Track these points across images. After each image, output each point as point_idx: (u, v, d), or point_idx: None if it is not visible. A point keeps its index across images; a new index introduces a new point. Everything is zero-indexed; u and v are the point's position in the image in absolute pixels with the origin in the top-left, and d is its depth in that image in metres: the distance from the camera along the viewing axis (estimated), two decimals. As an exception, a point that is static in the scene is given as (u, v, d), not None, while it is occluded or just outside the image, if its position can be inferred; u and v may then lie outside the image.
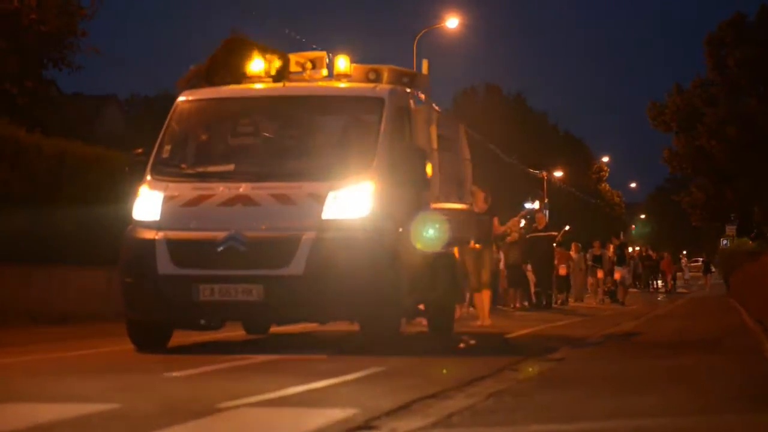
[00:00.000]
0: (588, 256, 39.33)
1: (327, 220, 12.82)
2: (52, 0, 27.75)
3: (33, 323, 18.22)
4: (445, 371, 10.70)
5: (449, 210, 16.35)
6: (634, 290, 48.27)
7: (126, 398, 8.10)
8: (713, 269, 70.33)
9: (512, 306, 30.28)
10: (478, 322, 19.55)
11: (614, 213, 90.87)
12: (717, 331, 19.02)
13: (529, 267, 31.68)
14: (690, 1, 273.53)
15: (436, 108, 16.65)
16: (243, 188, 13.07)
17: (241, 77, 14.75)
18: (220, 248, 12.68)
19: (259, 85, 14.57)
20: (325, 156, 13.66)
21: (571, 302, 36.21)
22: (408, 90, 14.96)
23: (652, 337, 17.42)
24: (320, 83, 14.80)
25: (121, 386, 9.12)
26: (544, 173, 71.72)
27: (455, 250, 18.16)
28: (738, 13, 66.56)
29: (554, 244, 32.84)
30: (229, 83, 14.76)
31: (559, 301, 33.28)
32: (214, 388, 8.94)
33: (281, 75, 14.67)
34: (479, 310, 19.86)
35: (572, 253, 38.09)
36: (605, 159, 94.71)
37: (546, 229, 31.94)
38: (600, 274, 38.15)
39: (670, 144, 69.32)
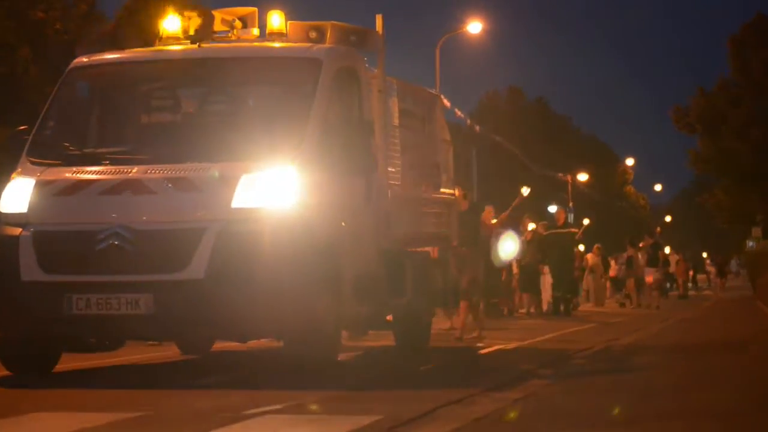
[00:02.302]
0: (624, 256, 35.22)
1: (238, 210, 9.56)
2: (76, 10, 25.82)
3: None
4: None
5: (420, 199, 12.95)
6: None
7: (152, 406, 7.85)
8: (732, 271, 66.76)
9: (527, 312, 26.59)
10: (456, 333, 16.06)
11: (639, 216, 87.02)
12: (743, 334, 17.59)
13: (546, 269, 27.81)
14: (713, 2, 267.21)
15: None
16: (135, 172, 9.77)
17: (153, 39, 11.41)
18: (100, 247, 9.50)
19: (171, 48, 11.16)
20: (242, 131, 10.30)
21: (591, 307, 32.63)
22: (355, 51, 11.45)
23: (674, 341, 16.20)
24: (245, 44, 11.35)
25: (146, 394, 8.89)
26: (569, 177, 68.13)
27: (433, 249, 14.73)
28: (759, 14, 63.74)
29: (574, 243, 28.57)
30: (140, 47, 11.42)
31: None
32: (235, 396, 8.60)
33: (202, 35, 11.25)
34: (461, 322, 16.27)
35: (593, 255, 34.20)
36: (630, 162, 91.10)
37: (565, 225, 27.61)
38: (612, 272, 34.40)
39: (695, 146, 66.34)
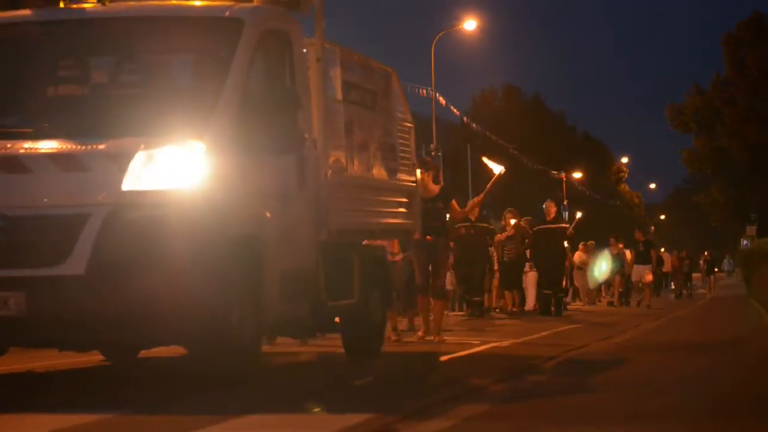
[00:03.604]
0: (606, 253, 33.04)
1: (129, 192, 7.80)
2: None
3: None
4: None
5: (371, 186, 11.16)
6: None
7: (134, 405, 7.31)
8: (725, 269, 64.92)
9: (509, 310, 24.65)
10: (419, 333, 14.21)
11: (633, 214, 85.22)
12: (737, 332, 17.04)
13: (531, 266, 25.78)
14: (709, 0, 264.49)
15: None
16: (12, 148, 8.01)
17: (56, -1, 9.61)
18: None
19: (71, 7, 9.33)
20: (145, 102, 8.54)
21: (582, 305, 30.81)
22: (286, 12, 9.62)
23: (670, 338, 15.71)
24: (158, 3, 9.53)
25: (126, 393, 8.29)
26: (563, 174, 66.35)
27: (394, 243, 12.97)
28: (756, 12, 62.76)
29: (565, 239, 26.13)
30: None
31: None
32: (220, 395, 7.90)
33: (112, -7, 9.45)
34: (423, 320, 14.43)
35: (580, 252, 32.13)
36: (624, 160, 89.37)
37: (556, 220, 24.86)
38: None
39: (690, 144, 65.18)
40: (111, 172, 7.78)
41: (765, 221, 62.17)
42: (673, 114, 64.31)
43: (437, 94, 45.57)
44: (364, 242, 11.59)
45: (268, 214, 8.66)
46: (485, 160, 15.81)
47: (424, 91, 44.27)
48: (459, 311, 22.99)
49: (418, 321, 15.24)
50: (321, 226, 9.74)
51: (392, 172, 11.71)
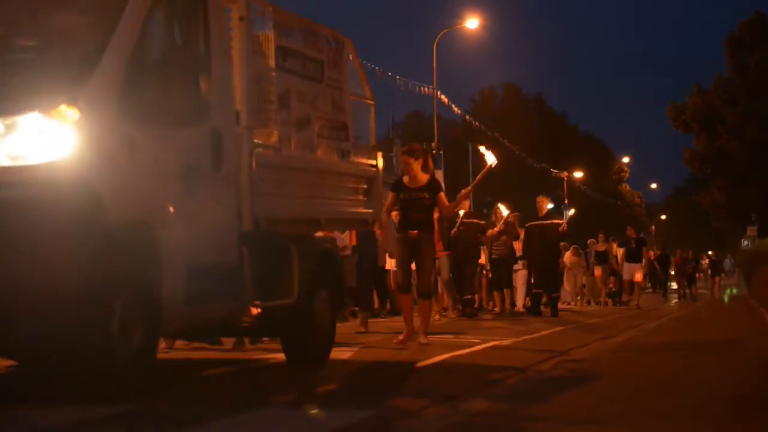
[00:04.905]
0: (593, 250, 31.09)
1: None
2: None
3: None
4: None
5: (314, 168, 9.46)
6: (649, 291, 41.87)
7: (145, 400, 6.81)
8: (726, 269, 63.46)
9: (496, 310, 22.87)
10: (399, 338, 12.46)
11: (634, 214, 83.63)
12: (737, 333, 16.63)
13: (520, 265, 23.96)
14: (711, 1, 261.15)
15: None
16: None
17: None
18: None
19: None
20: (10, 65, 6.85)
21: (575, 306, 29.13)
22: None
23: (670, 338, 15.09)
24: None
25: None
26: (565, 174, 64.76)
27: (350, 234, 11.28)
28: (757, 13, 61.47)
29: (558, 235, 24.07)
30: None
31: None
32: (227, 391, 7.85)
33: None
34: (405, 322, 12.62)
35: (570, 254, 30.20)
36: (625, 160, 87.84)
37: (549, 216, 22.67)
38: (598, 272, 30.46)
39: (691, 144, 63.57)
40: None
41: (765, 222, 61.30)
42: (674, 114, 63.11)
43: (439, 93, 44.28)
44: (318, 234, 9.94)
45: (167, 199, 6.99)
46: (481, 148, 14.07)
47: (426, 90, 43.05)
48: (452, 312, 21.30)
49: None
50: (244, 213, 8.06)
51: (344, 153, 10.00)
